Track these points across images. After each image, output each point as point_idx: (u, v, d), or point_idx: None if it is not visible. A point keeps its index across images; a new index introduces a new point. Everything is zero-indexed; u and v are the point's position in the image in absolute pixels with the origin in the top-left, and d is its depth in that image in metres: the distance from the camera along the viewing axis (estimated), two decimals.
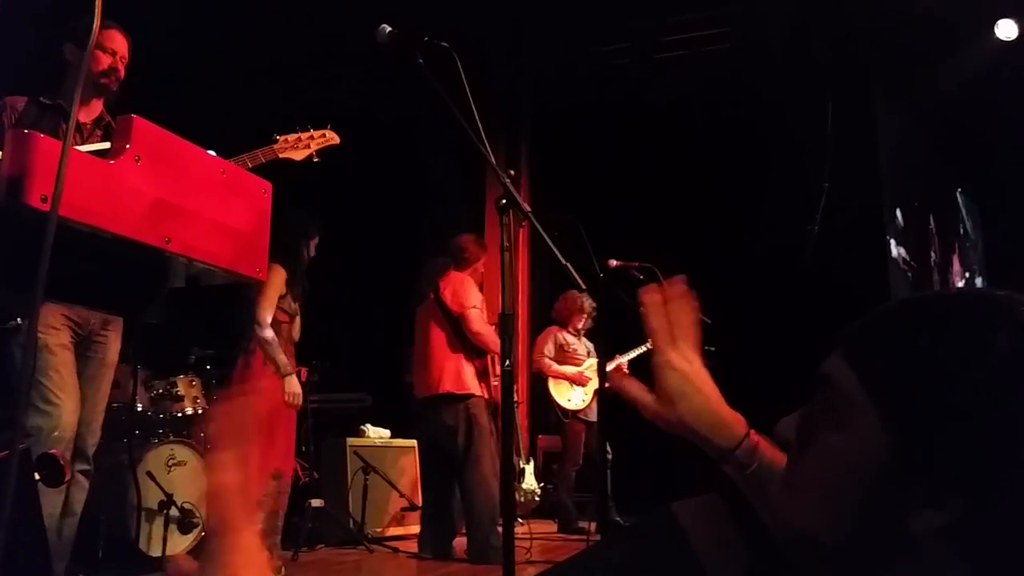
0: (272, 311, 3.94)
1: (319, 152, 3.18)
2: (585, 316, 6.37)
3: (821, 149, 6.62)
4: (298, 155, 3.09)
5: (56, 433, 2.67)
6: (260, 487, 3.30)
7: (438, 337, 4.84)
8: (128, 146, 1.33)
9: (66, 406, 2.72)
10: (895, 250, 7.26)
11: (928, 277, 8.05)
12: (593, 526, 5.92)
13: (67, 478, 1.37)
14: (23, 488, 1.35)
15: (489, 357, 4.90)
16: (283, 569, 3.86)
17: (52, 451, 1.40)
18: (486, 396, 4.82)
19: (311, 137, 3.14)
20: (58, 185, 1.10)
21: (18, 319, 2.25)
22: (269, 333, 3.91)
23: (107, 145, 1.36)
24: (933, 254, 8.26)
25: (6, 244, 1.39)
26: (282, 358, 3.93)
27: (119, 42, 2.93)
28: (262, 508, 3.74)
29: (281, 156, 3.03)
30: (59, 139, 1.30)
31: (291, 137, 3.10)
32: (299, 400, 4.00)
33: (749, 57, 6.84)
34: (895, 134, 7.39)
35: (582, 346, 6.38)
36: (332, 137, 3.22)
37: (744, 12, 6.77)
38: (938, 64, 7.10)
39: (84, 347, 2.89)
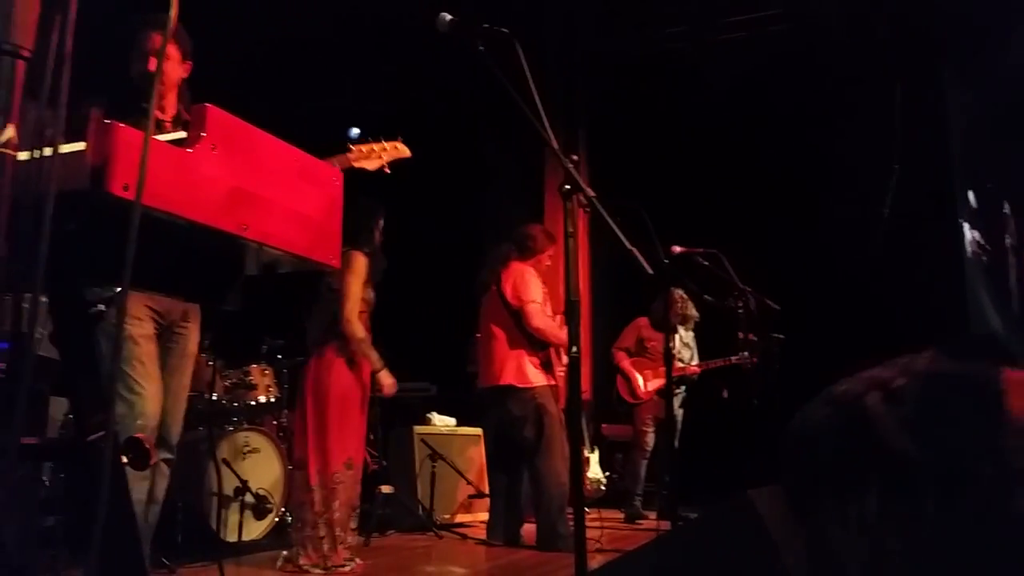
0: (358, 304, 3.94)
1: (389, 164, 3.32)
2: (682, 316, 6.28)
3: (889, 130, 6.45)
4: (371, 165, 3.25)
5: (139, 421, 2.76)
6: (334, 476, 3.34)
7: (500, 331, 4.84)
8: (204, 135, 1.35)
9: (149, 395, 2.81)
10: (968, 233, 7.03)
11: (1003, 260, 7.78)
12: (654, 516, 5.91)
13: (152, 462, 1.41)
14: (113, 470, 1.39)
15: (552, 348, 4.88)
16: (356, 559, 3.91)
17: (138, 435, 1.44)
18: (552, 383, 4.80)
19: (384, 149, 3.29)
20: (141, 173, 1.12)
21: (101, 306, 2.33)
22: (361, 331, 3.93)
23: (183, 134, 1.39)
24: (1008, 237, 7.98)
25: (91, 236, 1.43)
26: (375, 353, 3.98)
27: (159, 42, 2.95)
28: (336, 496, 3.80)
29: (355, 166, 3.19)
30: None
31: (364, 148, 3.25)
32: (393, 390, 4.11)
33: (812, 37, 6.68)
34: (966, 113, 7.15)
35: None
36: (403, 151, 3.36)
37: None
38: (1012, 39, 6.84)
39: (166, 338, 2.98)
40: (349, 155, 3.17)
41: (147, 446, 1.45)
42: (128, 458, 1.44)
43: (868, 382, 0.97)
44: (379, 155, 3.26)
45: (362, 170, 3.20)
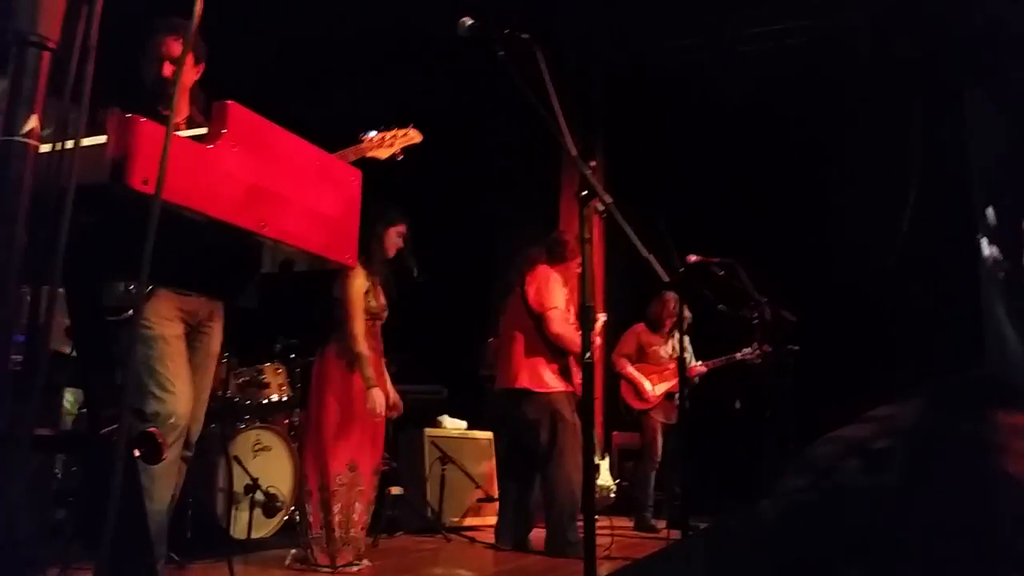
0: (363, 320, 3.90)
1: (402, 150, 3.30)
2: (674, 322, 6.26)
3: (909, 144, 6.41)
4: (383, 153, 3.23)
5: (172, 420, 2.77)
6: (335, 477, 3.31)
7: (519, 334, 4.82)
8: (224, 131, 1.36)
9: (181, 394, 2.82)
10: (987, 249, 6.95)
11: (1021, 277, 7.71)
12: (662, 524, 5.89)
13: (164, 456, 1.41)
14: (127, 464, 1.40)
15: (571, 357, 4.85)
16: (365, 560, 3.90)
17: (150, 429, 1.44)
18: (569, 390, 4.77)
19: (394, 136, 3.28)
20: (162, 168, 1.13)
21: (131, 311, 2.35)
22: (363, 349, 3.85)
23: (204, 131, 1.39)
24: None
25: (109, 230, 1.43)
26: (370, 371, 3.84)
27: (180, 49, 2.92)
28: (337, 498, 3.78)
29: (368, 155, 3.17)
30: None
31: (376, 136, 3.24)
32: (380, 411, 3.85)
33: (831, 50, 6.66)
34: (986, 128, 7.09)
35: (667, 348, 6.29)
36: (415, 136, 3.35)
37: (828, 4, 6.59)
38: None
39: (192, 337, 2.99)
40: (362, 145, 3.17)
41: (159, 440, 1.45)
42: (141, 452, 1.44)
43: (847, 444, 0.88)
44: (391, 143, 3.25)
45: (375, 159, 3.19)
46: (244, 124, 1.39)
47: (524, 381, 4.71)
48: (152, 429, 1.47)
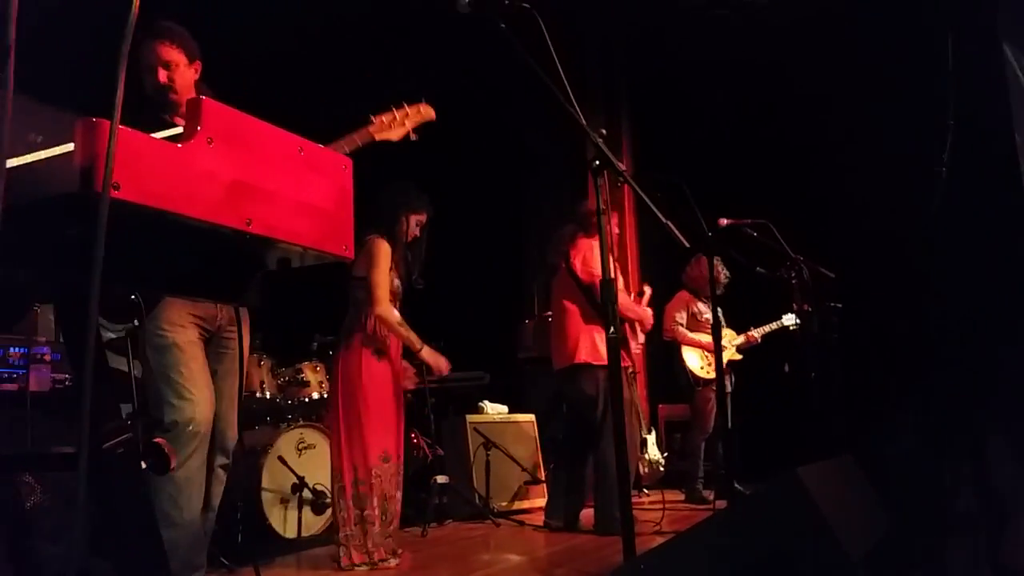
0: (388, 289, 3.80)
1: (416, 129, 3.12)
2: (720, 285, 6.15)
3: (943, 85, 6.18)
4: (395, 135, 3.05)
5: (191, 428, 2.72)
6: (371, 471, 3.25)
7: (572, 308, 4.80)
8: (199, 128, 1.31)
9: (200, 400, 2.75)
10: None
11: None
12: (712, 495, 5.79)
13: (172, 466, 1.38)
14: (130, 478, 1.38)
15: (627, 325, 4.81)
16: (398, 552, 3.85)
17: (157, 439, 1.41)
18: (626, 364, 4.72)
19: (406, 115, 3.09)
20: (108, 164, 1.09)
21: (111, 335, 2.33)
22: (395, 314, 3.81)
23: (179, 130, 1.35)
24: None
25: (117, 240, 1.40)
26: (413, 334, 3.83)
27: (171, 53, 2.84)
28: (373, 492, 3.71)
29: (378, 138, 2.99)
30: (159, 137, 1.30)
31: (386, 117, 3.05)
32: (444, 368, 3.97)
33: None
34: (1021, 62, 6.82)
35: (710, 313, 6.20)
36: (428, 112, 3.16)
37: None
38: None
39: (215, 344, 2.94)
40: (370, 127, 2.98)
41: (167, 450, 1.42)
42: (148, 464, 1.42)
43: None
44: (402, 122, 3.05)
45: (387, 142, 3.00)
46: (219, 119, 1.35)
47: (583, 355, 4.68)
48: (158, 439, 1.44)
